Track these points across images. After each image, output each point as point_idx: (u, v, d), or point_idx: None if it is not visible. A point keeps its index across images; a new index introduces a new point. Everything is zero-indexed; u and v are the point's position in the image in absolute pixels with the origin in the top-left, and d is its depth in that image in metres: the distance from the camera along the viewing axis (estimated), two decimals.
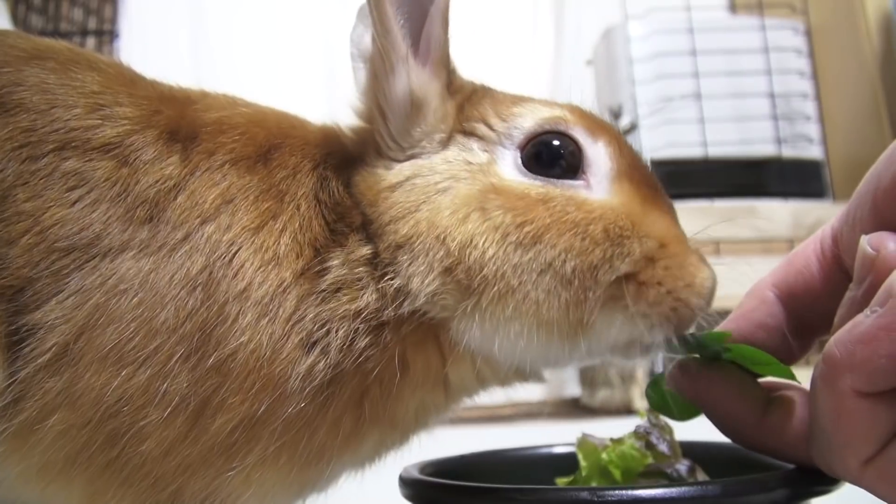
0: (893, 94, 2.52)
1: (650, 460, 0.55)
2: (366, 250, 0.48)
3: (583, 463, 0.58)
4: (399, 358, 0.48)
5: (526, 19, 3.19)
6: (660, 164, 2.53)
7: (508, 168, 0.50)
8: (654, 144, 2.47)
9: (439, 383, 0.51)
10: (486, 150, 0.51)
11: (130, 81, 0.51)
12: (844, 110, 2.73)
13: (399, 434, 0.53)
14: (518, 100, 0.54)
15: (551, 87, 3.12)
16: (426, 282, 0.46)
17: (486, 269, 0.46)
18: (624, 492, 0.41)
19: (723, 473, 0.54)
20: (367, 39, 0.55)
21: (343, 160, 0.53)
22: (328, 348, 0.46)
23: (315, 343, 0.46)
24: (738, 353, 0.50)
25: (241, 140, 0.50)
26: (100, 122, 0.47)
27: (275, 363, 0.45)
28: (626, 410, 2.25)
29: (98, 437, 0.43)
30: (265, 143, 0.51)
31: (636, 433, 0.57)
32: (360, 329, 0.47)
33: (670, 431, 0.58)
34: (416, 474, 0.53)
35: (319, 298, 0.47)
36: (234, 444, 0.45)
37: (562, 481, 0.60)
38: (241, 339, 0.44)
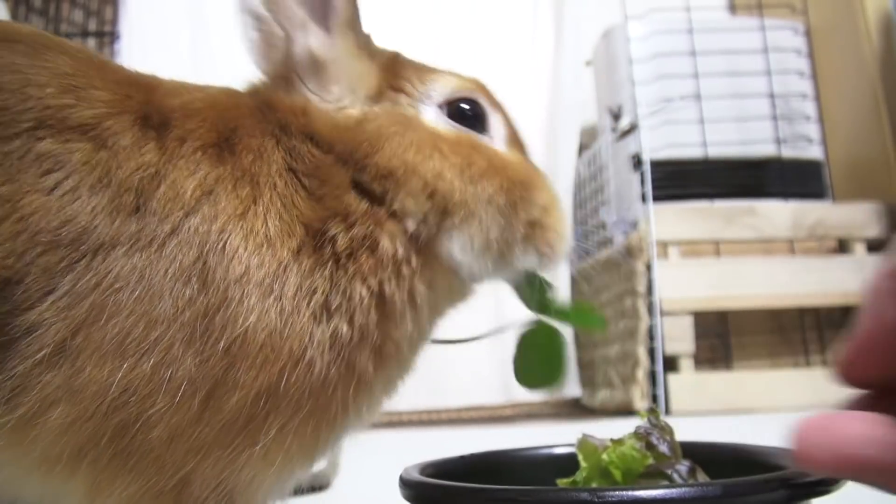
0: (893, 94, 2.52)
1: (650, 461, 0.55)
2: (364, 205, 0.52)
3: (583, 464, 0.58)
4: (412, 289, 0.52)
5: (526, 19, 3.19)
6: (660, 165, 2.55)
7: (433, 121, 0.58)
8: (654, 145, 2.46)
9: (435, 305, 0.57)
10: (412, 106, 0.58)
11: (101, 65, 0.51)
12: (844, 110, 2.73)
13: (403, 369, 0.57)
14: (433, 68, 0.62)
15: (551, 88, 3.12)
16: (419, 202, 0.53)
17: (455, 196, 0.54)
18: (624, 492, 0.41)
19: (724, 474, 0.53)
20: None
21: (292, 121, 0.54)
22: (351, 310, 0.49)
23: (335, 309, 0.48)
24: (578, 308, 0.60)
25: (204, 126, 0.50)
26: (75, 102, 0.46)
27: (289, 337, 0.46)
28: (627, 411, 2.25)
29: (106, 428, 0.43)
30: (224, 129, 0.51)
31: (636, 434, 0.56)
32: (386, 277, 0.51)
33: (671, 432, 0.58)
34: (416, 475, 0.53)
35: (332, 268, 0.49)
36: (250, 421, 0.45)
37: (562, 482, 0.60)
38: (250, 320, 0.45)
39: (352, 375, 0.49)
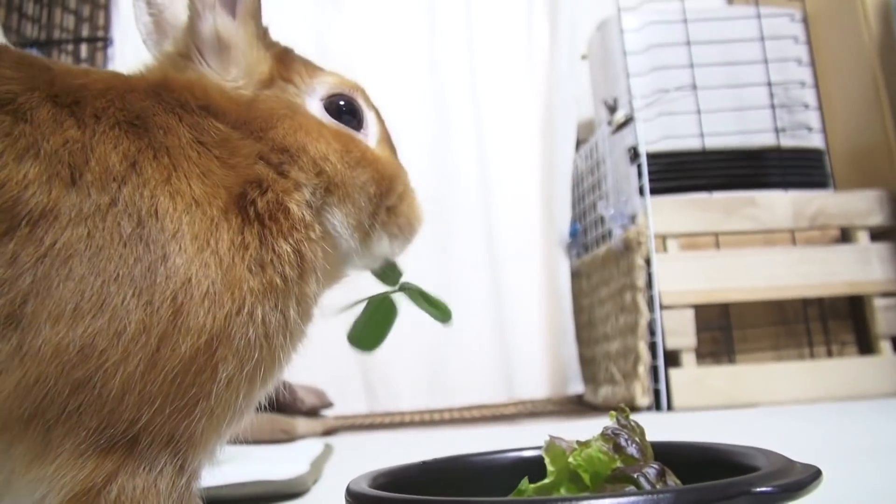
0: (893, 80, 2.47)
1: (618, 464, 0.52)
2: (272, 174, 0.56)
3: (550, 467, 0.55)
4: (317, 253, 0.57)
5: (520, 14, 3.17)
6: (657, 157, 2.52)
7: (316, 112, 0.63)
8: (651, 137, 2.43)
9: (327, 276, 0.61)
10: (297, 96, 0.63)
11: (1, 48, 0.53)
12: (844, 98, 2.69)
13: (305, 334, 0.59)
14: (320, 66, 0.67)
15: (547, 82, 3.10)
16: (309, 177, 0.58)
17: (336, 177, 0.60)
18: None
19: (697, 477, 0.51)
20: None
21: (189, 98, 0.57)
22: (282, 265, 0.53)
23: (267, 263, 0.52)
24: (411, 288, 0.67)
25: (113, 106, 0.52)
26: None
27: (229, 286, 0.49)
28: (629, 407, 2.22)
29: (63, 387, 0.44)
30: (130, 109, 0.53)
31: (603, 435, 0.54)
32: (302, 238, 0.55)
33: (641, 433, 0.55)
34: (361, 486, 0.50)
35: (258, 226, 0.53)
36: (202, 370, 0.48)
37: (531, 487, 0.57)
38: (192, 269, 0.48)
39: (287, 325, 0.53)
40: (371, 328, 0.66)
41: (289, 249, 0.54)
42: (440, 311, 0.66)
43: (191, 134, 0.54)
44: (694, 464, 0.55)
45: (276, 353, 0.52)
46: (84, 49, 3.15)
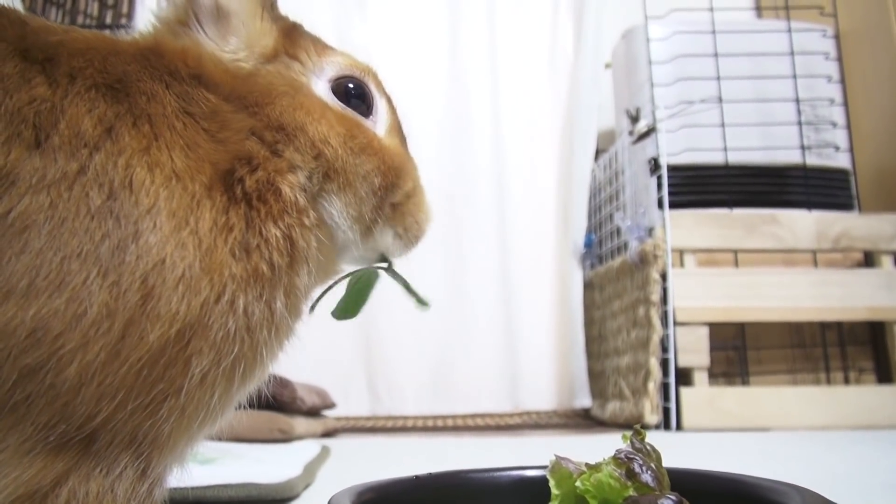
0: None
1: (631, 492, 0.47)
2: (264, 151, 0.52)
3: (555, 491, 0.51)
4: (310, 241, 0.52)
5: (545, 20, 3.12)
6: (678, 169, 2.46)
7: (322, 94, 0.59)
8: (673, 149, 2.37)
9: (319, 268, 0.56)
10: (303, 75, 0.59)
11: None
12: (874, 118, 2.62)
13: (294, 330, 0.55)
14: (330, 46, 0.63)
15: (569, 90, 3.05)
16: (306, 160, 0.54)
17: (337, 163, 0.55)
18: None
19: None
20: None
21: (181, 66, 0.53)
22: (269, 251, 0.48)
23: (254, 248, 0.48)
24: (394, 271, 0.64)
25: (92, 66, 0.48)
26: None
27: (208, 270, 0.45)
28: (637, 424, 2.16)
29: (10, 374, 0.40)
30: (111, 72, 0.48)
31: (616, 459, 0.49)
32: (293, 223, 0.51)
33: (657, 459, 0.50)
34: (344, 502, 0.46)
35: (245, 207, 0.48)
36: (172, 363, 0.43)
37: None
38: (167, 249, 0.43)
39: (272, 319, 0.49)
40: (352, 296, 0.64)
41: (278, 234, 0.49)
42: (419, 300, 0.63)
43: (178, 103, 0.50)
44: (714, 496, 0.50)
45: (258, 348, 0.48)
46: None
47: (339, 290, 0.64)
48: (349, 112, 0.59)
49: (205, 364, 0.44)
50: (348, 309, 0.64)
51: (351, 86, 0.60)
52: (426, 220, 0.64)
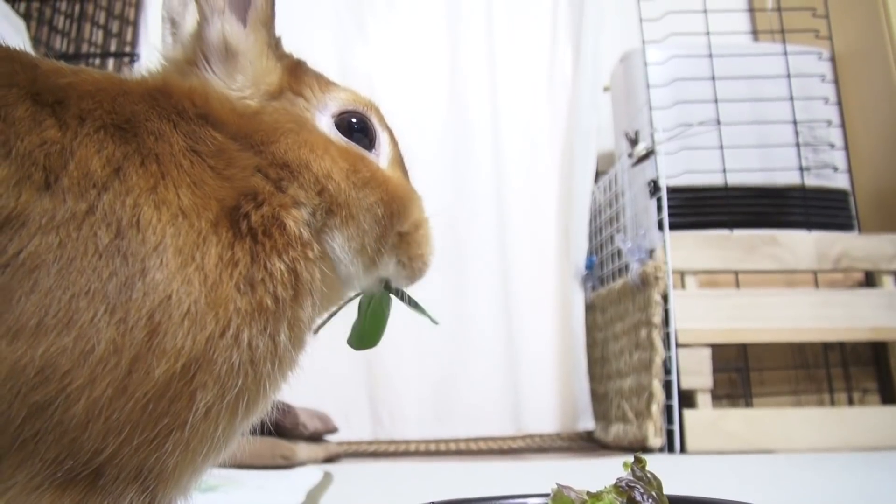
0: None
1: None
2: (269, 187, 0.53)
3: None
4: (315, 274, 0.54)
5: (544, 44, 3.16)
6: (677, 191, 2.47)
7: (326, 129, 0.60)
8: (673, 171, 2.39)
9: (323, 299, 0.58)
10: (307, 110, 0.60)
11: None
12: (871, 138, 2.64)
13: (297, 362, 0.55)
14: (333, 82, 0.65)
15: (568, 113, 3.08)
16: (310, 196, 0.55)
17: (340, 197, 0.57)
18: None
19: None
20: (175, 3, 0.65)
21: (188, 105, 0.54)
22: (274, 285, 0.49)
23: (258, 282, 0.49)
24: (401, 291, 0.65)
25: (101, 108, 0.49)
26: None
27: (213, 305, 0.45)
28: (640, 447, 2.15)
29: (19, 411, 0.40)
30: (120, 112, 0.50)
31: (617, 487, 0.49)
32: (298, 257, 0.52)
33: (658, 487, 0.50)
34: None
35: (250, 242, 0.49)
36: (177, 397, 0.44)
37: None
38: (173, 286, 0.44)
39: (276, 351, 0.50)
40: (369, 325, 0.65)
41: (283, 268, 0.50)
42: (431, 319, 0.65)
43: (185, 142, 0.51)
44: None
45: (262, 381, 0.48)
46: (111, 64, 3.19)
47: (345, 314, 0.65)
48: (352, 146, 0.61)
49: (209, 398, 0.45)
50: (365, 336, 0.64)
51: (354, 120, 0.62)
52: (431, 251, 0.65)
